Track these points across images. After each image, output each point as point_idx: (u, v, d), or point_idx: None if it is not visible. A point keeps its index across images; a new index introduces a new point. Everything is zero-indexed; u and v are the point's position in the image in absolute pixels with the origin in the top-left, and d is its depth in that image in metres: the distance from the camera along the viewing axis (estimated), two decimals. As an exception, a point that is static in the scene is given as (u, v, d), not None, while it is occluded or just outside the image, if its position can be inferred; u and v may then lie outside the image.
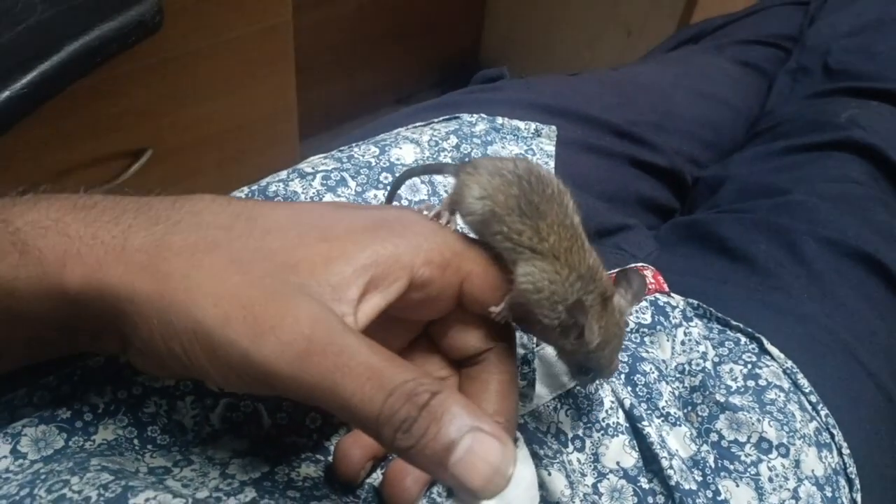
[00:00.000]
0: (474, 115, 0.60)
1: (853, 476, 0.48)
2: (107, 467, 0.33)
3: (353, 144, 0.56)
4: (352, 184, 0.53)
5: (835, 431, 0.49)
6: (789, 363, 0.51)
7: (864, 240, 0.60)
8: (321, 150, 0.58)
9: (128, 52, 0.78)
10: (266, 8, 0.98)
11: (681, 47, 0.94)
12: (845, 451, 0.49)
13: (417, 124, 0.59)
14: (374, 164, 0.54)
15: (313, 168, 0.53)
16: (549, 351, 0.45)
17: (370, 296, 0.32)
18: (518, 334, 0.42)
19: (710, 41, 0.93)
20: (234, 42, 1.01)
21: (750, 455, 0.46)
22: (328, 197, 0.52)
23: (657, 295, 0.52)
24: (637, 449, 0.44)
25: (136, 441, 0.37)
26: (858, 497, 0.48)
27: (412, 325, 0.38)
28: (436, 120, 0.60)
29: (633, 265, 0.54)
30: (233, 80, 1.05)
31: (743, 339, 0.52)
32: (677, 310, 0.52)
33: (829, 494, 0.46)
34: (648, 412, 0.46)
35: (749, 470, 0.46)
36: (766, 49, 0.88)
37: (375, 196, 0.53)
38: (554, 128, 0.61)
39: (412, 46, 1.64)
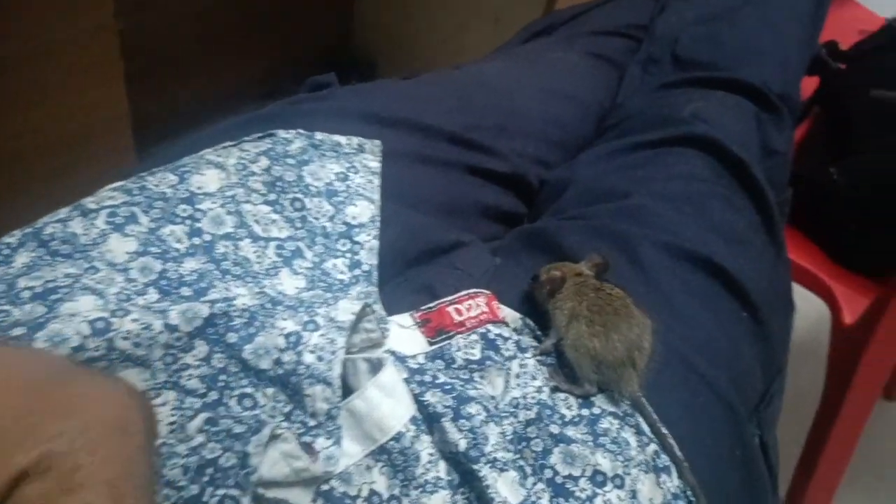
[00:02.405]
0: (290, 132, 0.55)
1: (692, 499, 0.47)
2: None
3: (148, 172, 0.50)
4: (144, 220, 0.47)
5: (675, 451, 0.47)
6: None
7: (703, 242, 0.58)
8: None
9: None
10: (86, 9, 0.89)
11: (534, 39, 0.91)
12: (686, 468, 0.47)
13: (226, 144, 0.54)
14: (170, 195, 0.48)
15: (98, 203, 0.47)
16: (357, 403, 0.41)
17: None
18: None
19: (563, 32, 0.90)
20: (55, 45, 0.92)
21: (585, 490, 0.44)
22: (114, 238, 0.45)
23: (488, 326, 0.49)
24: None
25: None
26: None
27: None
28: (247, 139, 0.54)
29: (466, 293, 0.51)
30: (58, 87, 0.95)
31: None
32: (510, 341, 0.49)
33: None
34: (476, 457, 0.42)
35: None
36: (618, 40, 0.86)
37: (172, 232, 0.47)
38: (378, 142, 0.56)
39: (275, 40, 1.54)
